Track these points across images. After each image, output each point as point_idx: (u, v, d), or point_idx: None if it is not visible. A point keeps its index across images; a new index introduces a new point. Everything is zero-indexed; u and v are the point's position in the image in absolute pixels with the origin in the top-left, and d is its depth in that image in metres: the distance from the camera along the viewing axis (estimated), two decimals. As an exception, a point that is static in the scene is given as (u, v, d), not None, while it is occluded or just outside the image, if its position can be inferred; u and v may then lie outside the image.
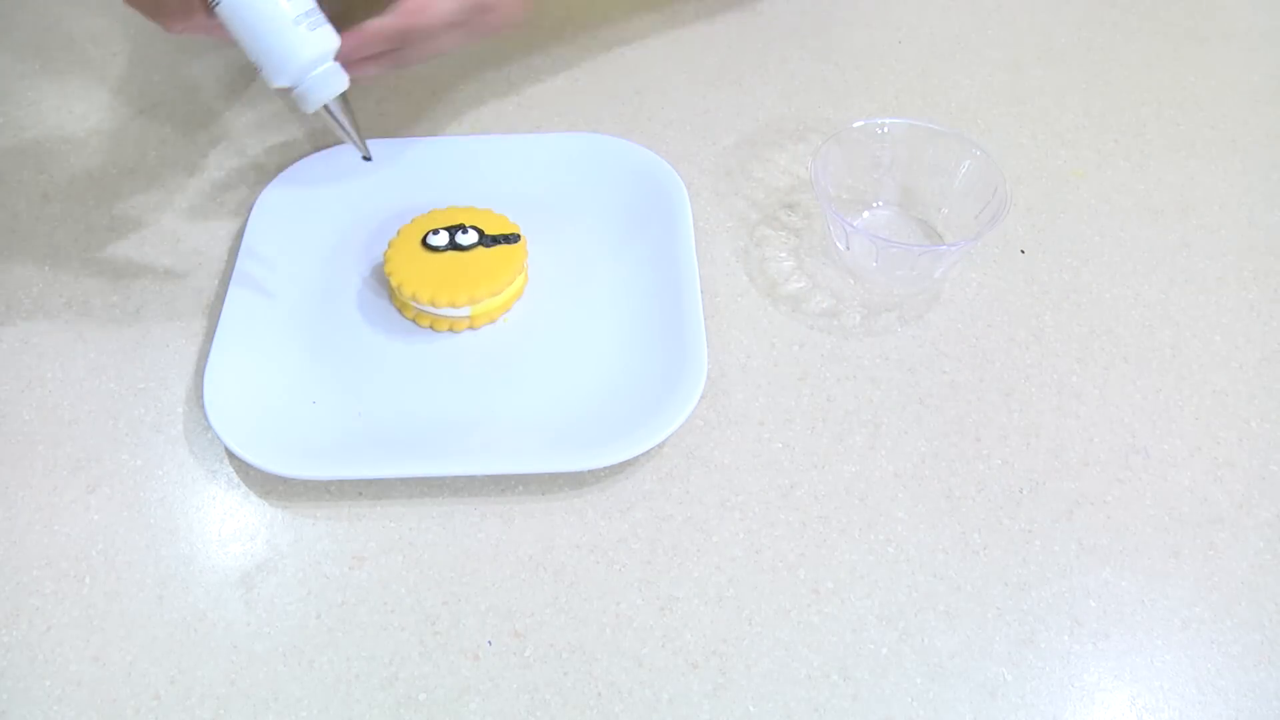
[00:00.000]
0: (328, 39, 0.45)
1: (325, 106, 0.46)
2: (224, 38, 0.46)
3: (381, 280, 0.52)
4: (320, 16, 0.45)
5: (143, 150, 0.60)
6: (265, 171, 0.58)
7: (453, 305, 0.49)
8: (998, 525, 0.44)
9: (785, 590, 0.42)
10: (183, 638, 0.41)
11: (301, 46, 0.44)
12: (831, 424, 0.48)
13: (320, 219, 0.55)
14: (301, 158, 0.57)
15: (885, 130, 0.54)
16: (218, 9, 0.43)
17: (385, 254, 0.51)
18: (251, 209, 0.54)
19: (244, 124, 0.61)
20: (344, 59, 0.46)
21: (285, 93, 0.45)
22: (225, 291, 0.50)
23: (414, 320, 0.51)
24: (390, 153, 0.57)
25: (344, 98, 0.46)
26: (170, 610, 0.42)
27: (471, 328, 0.51)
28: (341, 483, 0.46)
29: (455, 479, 0.46)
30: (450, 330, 0.51)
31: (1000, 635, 0.41)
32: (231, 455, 0.47)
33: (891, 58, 0.66)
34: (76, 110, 0.63)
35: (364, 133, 0.60)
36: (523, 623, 0.42)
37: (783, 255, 0.55)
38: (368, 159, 0.49)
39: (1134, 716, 0.39)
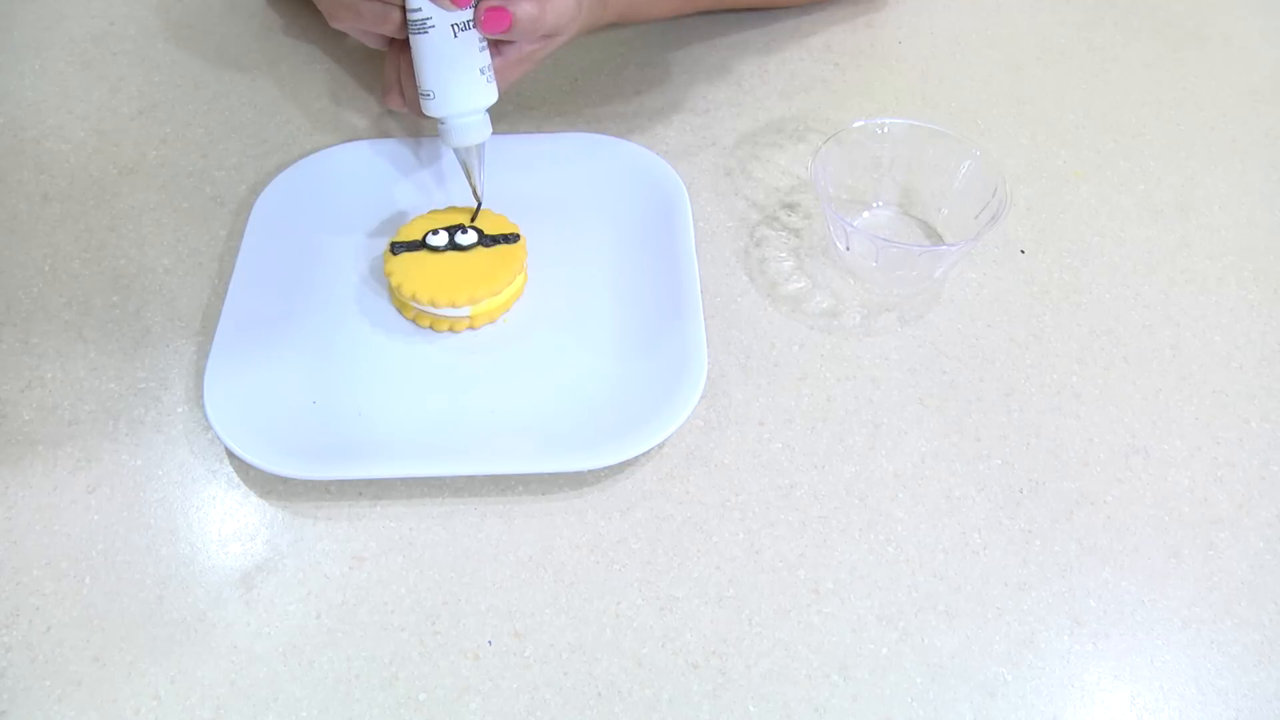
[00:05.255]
0: (493, 93, 0.50)
1: (466, 148, 0.51)
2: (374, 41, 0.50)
3: (381, 280, 0.52)
4: (492, 73, 0.49)
5: (143, 150, 0.60)
6: (265, 171, 0.58)
7: (453, 305, 0.49)
8: (998, 525, 0.44)
9: (785, 590, 0.42)
10: (183, 638, 0.41)
11: (477, 93, 0.49)
12: (831, 424, 0.48)
13: (320, 219, 0.55)
14: (301, 158, 0.57)
15: (885, 130, 0.54)
16: (421, 36, 0.47)
17: (385, 254, 0.51)
18: (251, 209, 0.54)
19: (244, 124, 0.61)
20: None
21: (433, 122, 0.50)
22: (225, 291, 0.50)
23: (414, 320, 0.51)
24: (391, 153, 0.57)
25: (481, 145, 0.51)
26: (170, 610, 0.42)
27: (471, 328, 0.51)
28: (341, 483, 0.46)
29: (455, 479, 0.46)
30: (450, 330, 0.51)
31: (1000, 635, 0.41)
32: (231, 455, 0.47)
33: (891, 58, 0.66)
34: (76, 110, 0.63)
35: (367, 134, 0.60)
36: (523, 623, 0.42)
37: (783, 255, 0.55)
38: (479, 205, 0.53)
39: (1134, 716, 0.40)
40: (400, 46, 0.49)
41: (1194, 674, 0.40)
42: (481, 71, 0.48)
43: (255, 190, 0.57)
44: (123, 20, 0.68)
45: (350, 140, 0.58)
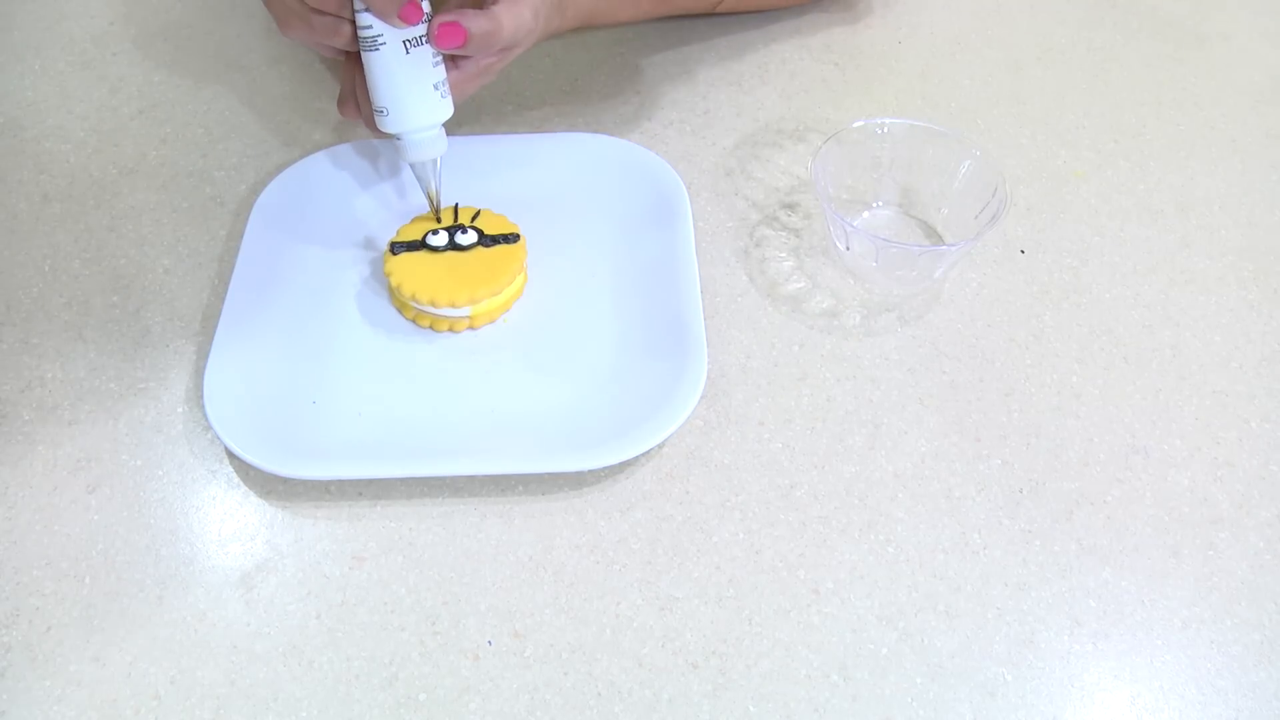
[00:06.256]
0: (448, 108, 0.49)
1: (422, 162, 0.50)
2: (332, 54, 0.49)
3: (381, 280, 0.52)
4: (447, 87, 0.48)
5: (143, 150, 0.60)
6: (265, 171, 0.59)
7: (453, 305, 0.49)
8: (998, 525, 0.44)
9: (785, 590, 0.42)
10: (183, 638, 0.41)
11: (431, 109, 0.48)
12: (831, 424, 0.48)
13: (320, 219, 0.55)
14: (301, 158, 0.57)
15: (885, 130, 0.54)
16: (372, 54, 0.46)
17: (385, 254, 0.51)
18: (251, 209, 0.54)
19: (244, 124, 0.61)
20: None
21: (388, 137, 0.49)
22: (225, 291, 0.50)
23: (414, 320, 0.51)
24: (391, 153, 0.57)
25: (437, 159, 0.50)
26: (170, 610, 0.42)
27: (471, 328, 0.51)
28: (341, 483, 0.46)
29: (455, 479, 0.46)
30: (450, 330, 0.51)
31: (1000, 635, 0.41)
32: (231, 455, 0.47)
33: (891, 58, 0.66)
34: (76, 110, 0.63)
35: (367, 134, 0.60)
36: (523, 623, 0.42)
37: (783, 255, 0.55)
38: (438, 218, 0.52)
39: (1134, 716, 0.40)
40: (356, 57, 0.48)
41: (1194, 674, 0.40)
42: (435, 87, 0.47)
43: (255, 190, 0.57)
44: (123, 20, 0.68)
45: (350, 140, 0.58)
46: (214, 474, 0.46)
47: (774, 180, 0.58)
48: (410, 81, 0.46)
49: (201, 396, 0.46)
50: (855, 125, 0.54)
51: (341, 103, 0.51)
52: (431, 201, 0.51)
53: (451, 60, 0.49)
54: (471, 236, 0.51)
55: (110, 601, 0.42)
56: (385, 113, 0.47)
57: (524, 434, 0.46)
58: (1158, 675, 0.40)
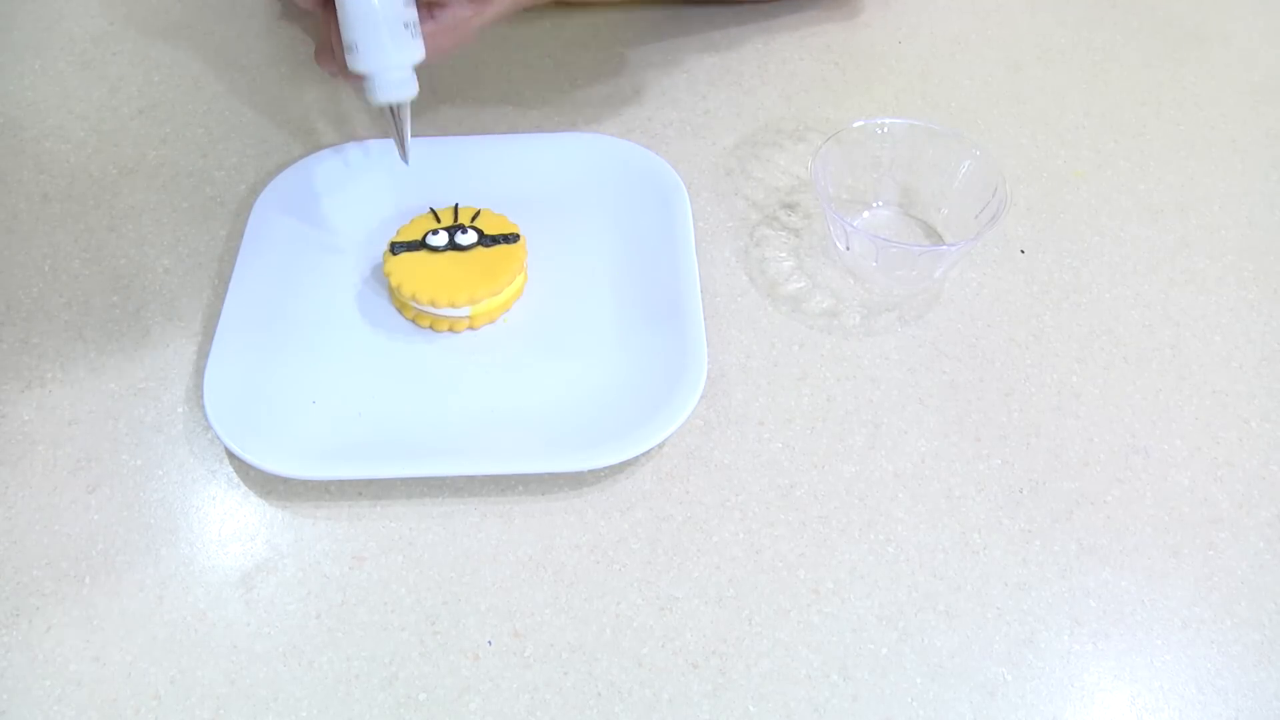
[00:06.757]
0: (419, 49, 0.48)
1: (390, 106, 0.49)
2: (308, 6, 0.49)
3: (381, 280, 0.52)
4: (418, 29, 0.48)
5: (143, 150, 0.60)
6: (265, 171, 0.59)
7: (453, 305, 0.49)
8: (998, 525, 0.44)
9: (785, 590, 0.42)
10: (183, 638, 0.41)
11: (401, 47, 0.47)
12: (831, 424, 0.48)
13: (320, 219, 0.55)
14: (301, 158, 0.57)
15: (885, 130, 0.54)
16: None
17: (385, 254, 0.51)
18: (251, 209, 0.54)
19: (244, 124, 0.61)
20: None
21: (357, 78, 0.49)
22: (225, 291, 0.50)
23: (414, 320, 0.51)
24: (391, 153, 0.57)
25: (406, 104, 0.50)
26: (170, 610, 0.42)
27: (471, 328, 0.51)
28: (341, 483, 0.46)
29: (455, 479, 0.46)
30: (450, 330, 0.51)
31: (1000, 635, 0.41)
32: (231, 455, 0.47)
33: (891, 58, 0.66)
34: (76, 110, 0.63)
35: (368, 135, 0.60)
36: (523, 623, 0.42)
37: (783, 255, 0.55)
38: (405, 162, 0.52)
39: (1134, 716, 0.40)
40: (333, 10, 0.47)
41: (1194, 674, 0.40)
42: (406, 26, 0.47)
43: (255, 190, 0.57)
44: (123, 20, 0.68)
45: (351, 140, 0.58)
46: (214, 474, 0.46)
47: (774, 180, 0.58)
48: (380, 16, 0.46)
49: (201, 396, 0.46)
50: (855, 125, 0.54)
51: (318, 54, 0.51)
52: (400, 152, 0.51)
53: (427, 10, 0.49)
54: (471, 236, 0.51)
55: (110, 601, 0.42)
56: (355, 48, 0.47)
57: (524, 434, 0.46)
58: (1158, 675, 0.40)
